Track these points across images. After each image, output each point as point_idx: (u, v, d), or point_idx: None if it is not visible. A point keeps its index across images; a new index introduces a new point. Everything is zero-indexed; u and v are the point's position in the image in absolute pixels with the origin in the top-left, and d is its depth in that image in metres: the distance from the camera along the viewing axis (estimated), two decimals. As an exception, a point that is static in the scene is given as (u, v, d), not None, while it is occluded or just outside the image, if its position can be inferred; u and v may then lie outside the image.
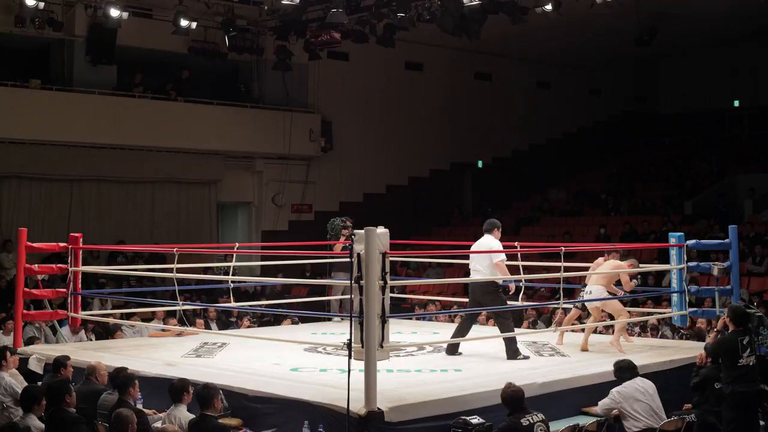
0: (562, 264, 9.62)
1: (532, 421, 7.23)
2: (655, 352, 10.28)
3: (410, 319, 14.21)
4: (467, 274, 17.78)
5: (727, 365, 8.36)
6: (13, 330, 11.39)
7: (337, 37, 18.69)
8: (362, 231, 7.69)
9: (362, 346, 7.51)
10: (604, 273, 10.60)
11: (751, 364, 8.31)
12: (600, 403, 8.50)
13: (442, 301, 15.24)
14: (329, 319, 13.01)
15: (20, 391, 8.32)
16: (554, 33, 20.84)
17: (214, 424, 7.22)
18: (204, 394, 7.30)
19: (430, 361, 9.92)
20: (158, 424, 7.56)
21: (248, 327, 13.83)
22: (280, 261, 15.64)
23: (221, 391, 8.00)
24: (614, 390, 8.44)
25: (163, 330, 12.42)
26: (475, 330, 13.13)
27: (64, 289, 11.66)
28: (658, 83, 29.71)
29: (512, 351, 9.90)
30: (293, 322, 13.99)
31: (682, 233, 11.57)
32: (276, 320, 14.79)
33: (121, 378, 7.86)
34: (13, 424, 7.24)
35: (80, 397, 7.95)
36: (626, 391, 8.38)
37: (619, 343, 10.48)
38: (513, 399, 7.39)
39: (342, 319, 12.06)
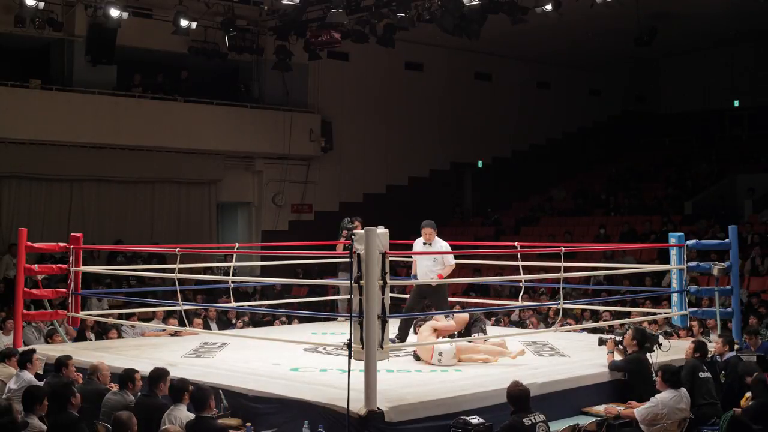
0: (562, 264, 9.62)
1: (534, 421, 7.23)
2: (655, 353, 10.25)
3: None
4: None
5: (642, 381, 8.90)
6: (13, 330, 11.40)
7: (337, 37, 18.69)
8: (362, 231, 7.69)
9: (362, 347, 7.51)
10: None
11: None
12: (641, 409, 8.31)
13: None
14: (334, 319, 12.95)
15: None
16: (554, 33, 20.84)
17: (212, 425, 7.20)
18: (198, 396, 7.29)
19: (430, 361, 9.91)
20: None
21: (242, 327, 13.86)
22: (280, 261, 15.63)
23: (221, 391, 8.01)
24: (660, 398, 8.25)
25: (163, 330, 12.42)
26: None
27: (64, 290, 11.66)
28: (658, 83, 29.70)
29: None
30: (281, 323, 14.05)
31: (682, 233, 11.56)
32: (275, 320, 14.78)
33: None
34: (12, 421, 7.24)
35: (82, 397, 7.96)
36: (672, 403, 8.20)
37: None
38: (519, 397, 7.37)
39: (345, 319, 12.05)
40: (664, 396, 8.26)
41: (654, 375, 8.91)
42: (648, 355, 9.22)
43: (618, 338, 9.62)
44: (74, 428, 7.15)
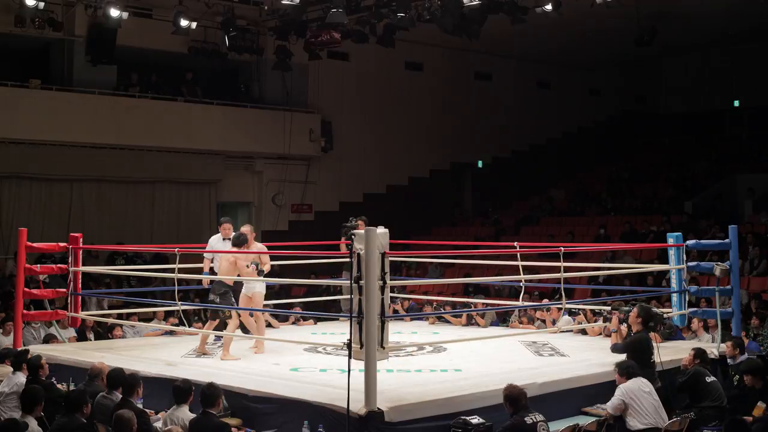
0: (561, 264, 9.62)
1: (535, 420, 7.24)
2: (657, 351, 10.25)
3: (420, 318, 14.20)
4: (468, 274, 17.91)
5: (644, 364, 8.85)
6: (13, 330, 11.40)
7: (337, 37, 18.69)
8: (362, 231, 7.69)
9: (361, 347, 7.50)
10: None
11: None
12: (609, 403, 8.43)
13: (443, 301, 15.24)
14: (335, 319, 12.95)
15: None
16: (554, 33, 20.83)
17: (216, 422, 7.24)
18: (208, 393, 7.33)
19: (430, 361, 9.93)
20: (159, 425, 7.56)
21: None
22: (280, 261, 15.61)
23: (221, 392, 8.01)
24: (621, 387, 8.41)
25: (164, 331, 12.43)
26: (475, 330, 13.17)
27: (64, 290, 11.67)
28: (658, 83, 29.71)
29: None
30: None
31: (680, 233, 11.57)
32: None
33: (128, 379, 7.86)
34: (14, 420, 7.24)
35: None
36: (632, 387, 8.36)
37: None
38: (516, 398, 7.38)
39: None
40: (626, 385, 8.40)
41: (653, 358, 9.02)
42: (654, 345, 9.21)
43: (622, 315, 9.66)
44: None
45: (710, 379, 9.12)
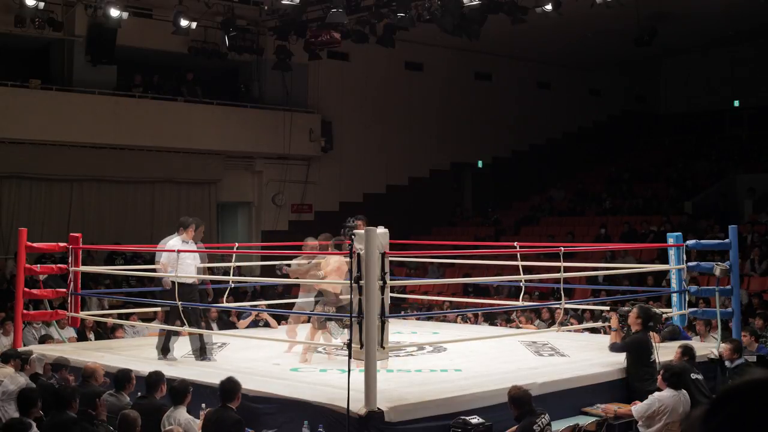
0: (561, 264, 9.62)
1: (542, 425, 7.18)
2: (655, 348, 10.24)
3: (418, 319, 14.21)
4: (467, 274, 17.91)
5: (643, 363, 8.89)
6: (13, 330, 11.40)
7: (337, 37, 18.70)
8: (362, 231, 7.69)
9: (361, 347, 7.50)
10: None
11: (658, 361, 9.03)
12: (637, 408, 8.17)
13: (445, 301, 15.26)
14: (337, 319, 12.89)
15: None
16: (554, 33, 20.85)
17: (232, 416, 7.24)
18: (228, 387, 7.34)
19: (430, 361, 9.92)
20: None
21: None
22: (280, 261, 15.58)
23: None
24: (658, 396, 8.08)
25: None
26: (476, 330, 13.17)
27: (64, 289, 11.67)
28: (658, 83, 29.72)
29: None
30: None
31: (680, 233, 11.57)
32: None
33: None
34: (18, 420, 7.24)
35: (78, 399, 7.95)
36: (671, 403, 7.98)
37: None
38: (522, 400, 7.34)
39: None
40: (664, 395, 8.11)
41: (652, 357, 8.94)
42: (654, 343, 9.19)
43: (623, 313, 9.60)
44: (70, 427, 7.14)
45: (695, 376, 9.08)
